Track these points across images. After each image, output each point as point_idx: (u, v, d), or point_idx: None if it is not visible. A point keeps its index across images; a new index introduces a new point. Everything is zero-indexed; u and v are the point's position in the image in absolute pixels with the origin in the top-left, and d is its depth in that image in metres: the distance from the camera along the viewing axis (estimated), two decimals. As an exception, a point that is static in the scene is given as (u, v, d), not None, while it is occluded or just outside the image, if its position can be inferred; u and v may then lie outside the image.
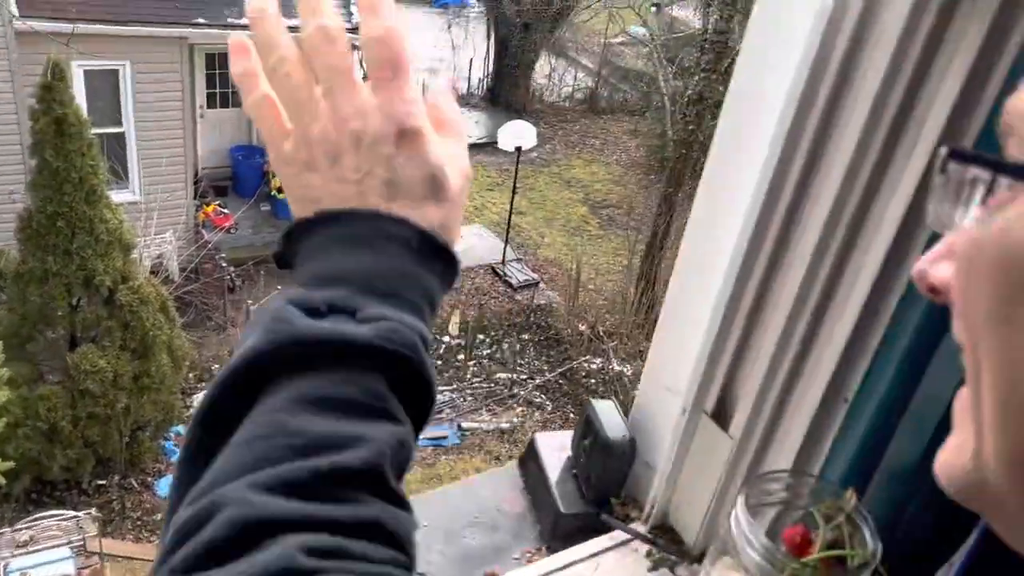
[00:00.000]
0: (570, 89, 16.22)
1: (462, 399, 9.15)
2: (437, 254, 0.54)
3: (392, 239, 0.52)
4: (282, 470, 0.46)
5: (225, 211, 10.06)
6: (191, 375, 8.07)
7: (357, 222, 0.53)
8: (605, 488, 1.25)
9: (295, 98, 0.55)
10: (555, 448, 1.35)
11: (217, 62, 10.08)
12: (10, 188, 7.59)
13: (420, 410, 0.53)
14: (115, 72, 8.79)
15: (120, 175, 8.75)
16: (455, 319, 9.97)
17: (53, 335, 6.67)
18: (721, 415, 1.07)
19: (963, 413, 0.42)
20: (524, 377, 9.57)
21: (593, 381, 9.54)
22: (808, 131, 0.85)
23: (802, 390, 0.98)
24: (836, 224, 0.86)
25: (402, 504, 0.49)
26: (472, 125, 13.63)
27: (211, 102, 10.39)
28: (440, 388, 9.38)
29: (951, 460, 0.42)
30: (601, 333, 10.09)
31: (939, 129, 0.75)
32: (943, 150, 0.42)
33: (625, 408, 1.33)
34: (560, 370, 9.72)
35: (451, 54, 15.43)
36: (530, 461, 1.36)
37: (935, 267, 0.42)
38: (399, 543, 0.47)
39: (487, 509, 1.32)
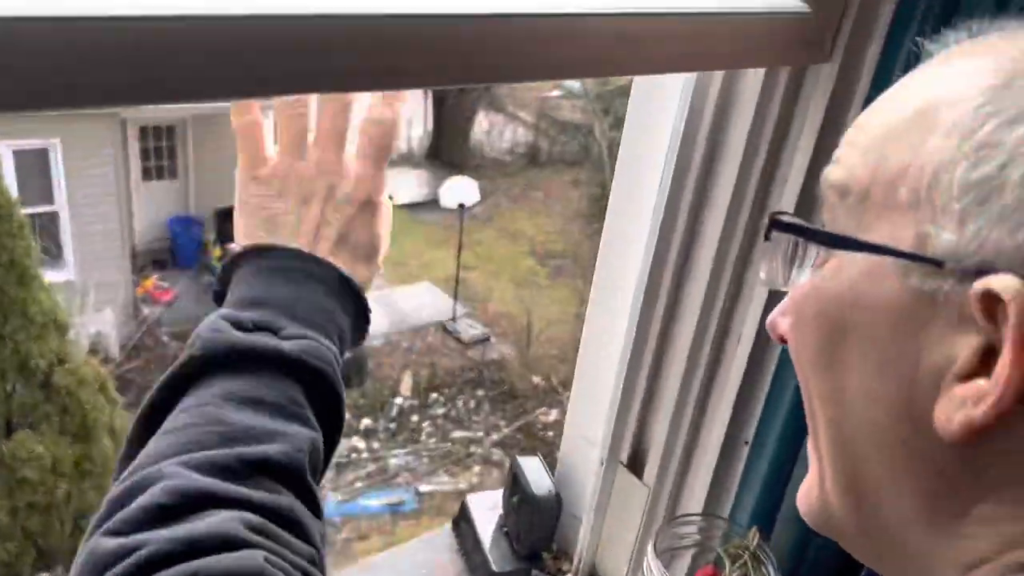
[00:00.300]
0: (510, 143, 16.52)
1: (418, 462, 9.02)
2: (353, 299, 0.61)
3: (313, 277, 0.59)
4: (212, 454, 0.49)
5: (164, 284, 9.90)
6: (135, 455, 7.80)
7: (285, 257, 0.59)
8: (535, 543, 1.26)
9: (294, 134, 0.62)
10: (486, 508, 1.36)
11: (151, 135, 10.03)
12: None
13: (331, 424, 0.57)
14: (45, 151, 8.69)
15: (54, 254, 8.57)
16: (407, 380, 9.89)
17: (-14, 423, 6.42)
18: (635, 464, 1.11)
19: (811, 450, 0.47)
20: (480, 435, 9.50)
21: (551, 434, 9.50)
22: (686, 196, 0.91)
23: (706, 435, 1.03)
24: (719, 278, 0.92)
25: (315, 504, 0.53)
26: (414, 183, 13.72)
27: (146, 175, 10.30)
28: (395, 451, 9.26)
29: (805, 494, 0.47)
30: (555, 384, 10.10)
31: (795, 196, 0.82)
32: (766, 220, 0.48)
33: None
34: (516, 424, 9.68)
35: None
36: (463, 522, 1.36)
37: (783, 319, 0.47)
38: (311, 540, 0.50)
39: (422, 574, 1.32)
